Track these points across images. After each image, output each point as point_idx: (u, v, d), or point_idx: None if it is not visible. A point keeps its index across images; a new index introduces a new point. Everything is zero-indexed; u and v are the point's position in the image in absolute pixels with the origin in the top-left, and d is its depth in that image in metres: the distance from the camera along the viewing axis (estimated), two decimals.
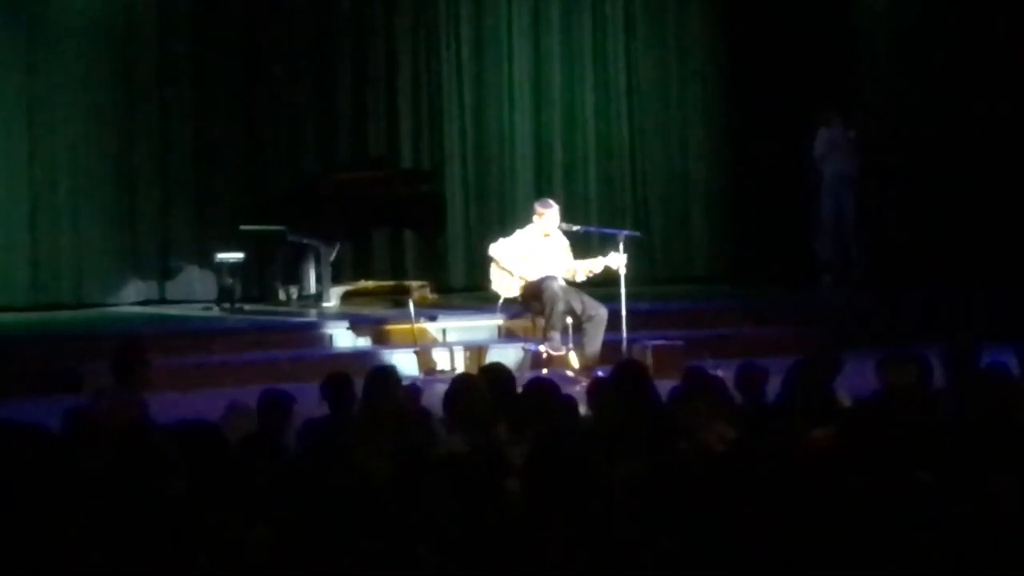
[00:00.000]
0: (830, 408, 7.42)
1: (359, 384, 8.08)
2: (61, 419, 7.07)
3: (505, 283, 12.63)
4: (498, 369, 8.48)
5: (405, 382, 8.55)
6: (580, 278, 12.56)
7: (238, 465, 6.28)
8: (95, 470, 6.23)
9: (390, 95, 16.38)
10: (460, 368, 12.44)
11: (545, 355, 12.38)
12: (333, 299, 14.50)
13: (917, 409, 6.72)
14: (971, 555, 5.08)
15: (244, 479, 5.97)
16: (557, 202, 13.00)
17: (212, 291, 15.10)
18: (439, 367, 12.72)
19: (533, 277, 12.49)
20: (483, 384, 7.87)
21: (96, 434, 6.84)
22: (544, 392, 7.68)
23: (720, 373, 8.64)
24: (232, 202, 15.48)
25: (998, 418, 6.61)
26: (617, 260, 12.32)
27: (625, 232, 12.84)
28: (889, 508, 5.31)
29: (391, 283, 15.39)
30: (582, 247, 13.06)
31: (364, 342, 13.43)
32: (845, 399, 7.87)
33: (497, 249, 12.72)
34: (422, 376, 12.21)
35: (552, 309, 12.29)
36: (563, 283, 12.44)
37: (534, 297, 12.49)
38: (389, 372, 8.44)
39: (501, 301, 12.77)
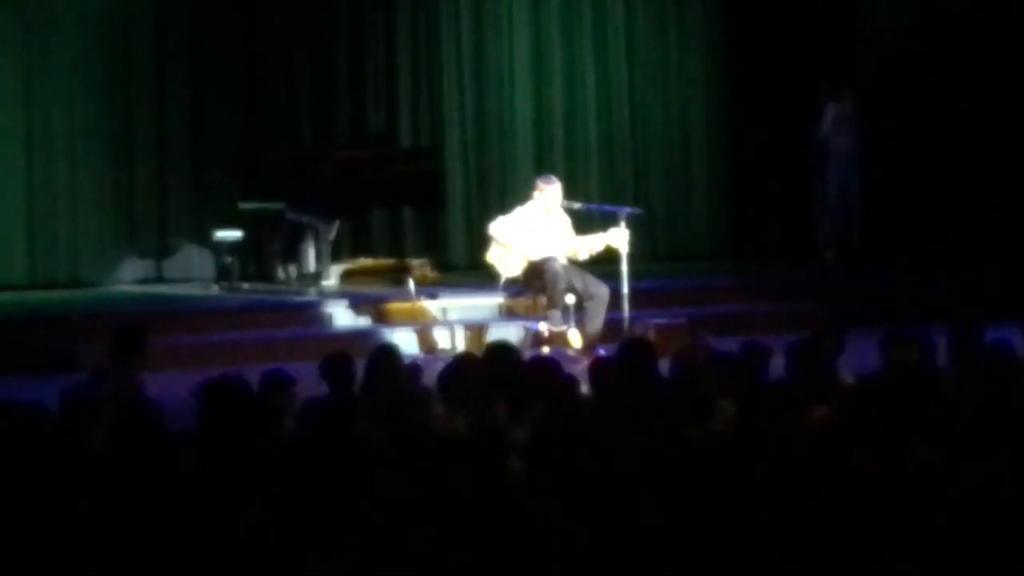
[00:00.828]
0: (832, 386, 7.39)
1: (359, 364, 8.04)
2: (58, 399, 7.04)
3: (506, 261, 12.58)
4: (503, 348, 8.45)
5: (406, 361, 8.51)
6: (582, 257, 12.50)
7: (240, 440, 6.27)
8: (93, 449, 6.21)
9: (389, 73, 16.32)
10: (461, 347, 12.41)
11: (546, 334, 12.34)
12: (332, 278, 14.48)
13: (919, 388, 6.70)
14: (973, 533, 5.05)
15: (245, 459, 5.95)
16: (558, 179, 12.94)
17: (210, 270, 15.06)
18: (440, 346, 12.68)
19: (534, 255, 12.43)
20: (481, 364, 7.84)
21: (94, 414, 6.83)
22: (546, 371, 7.65)
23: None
24: (230, 180, 15.44)
25: (1001, 397, 6.58)
26: (618, 237, 12.26)
27: (626, 209, 12.77)
28: (891, 486, 5.29)
29: (391, 261, 15.35)
30: (583, 225, 13.00)
31: (364, 321, 13.39)
32: (847, 377, 7.84)
33: (497, 227, 12.66)
34: (422, 355, 12.17)
35: (553, 287, 12.25)
36: (564, 262, 12.39)
37: (535, 276, 12.45)
38: (392, 351, 8.41)
39: (502, 280, 12.72)
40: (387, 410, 7.18)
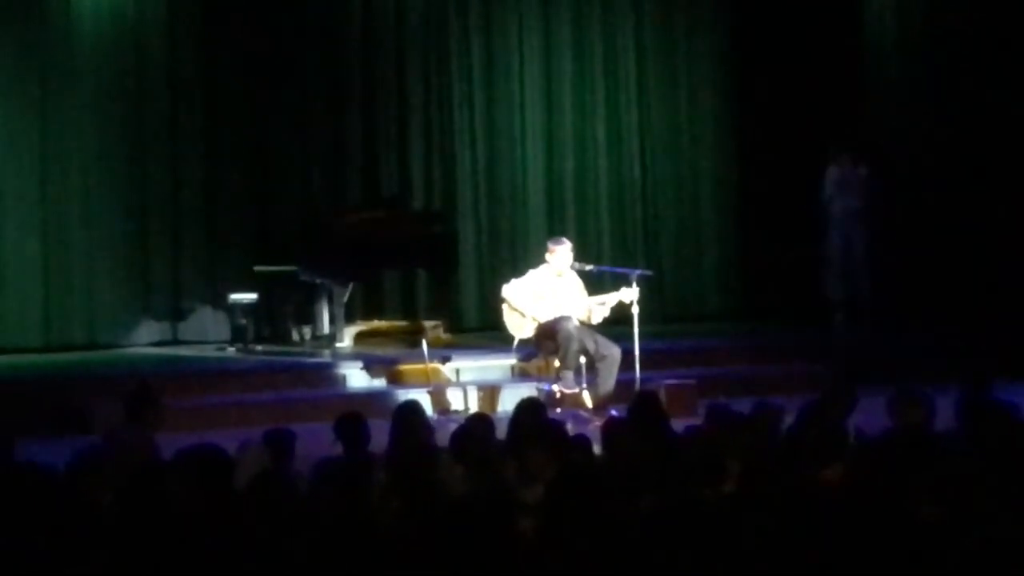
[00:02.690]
0: (843, 446, 7.43)
1: (373, 424, 8.10)
2: (71, 460, 7.09)
3: (519, 324, 12.65)
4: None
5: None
6: (596, 319, 12.56)
7: (249, 503, 6.30)
8: (104, 510, 6.24)
9: (401, 136, 16.43)
10: (474, 408, 12.45)
11: (559, 395, 12.38)
12: (346, 339, 14.52)
13: (925, 447, 6.73)
14: None
15: (254, 517, 5.99)
16: (569, 241, 13.02)
17: (225, 332, 15.13)
18: (453, 407, 12.72)
19: (547, 317, 12.50)
20: (491, 424, 7.92)
21: (103, 474, 6.86)
22: (557, 431, 7.72)
23: None
24: (244, 243, 15.53)
25: (1007, 457, 6.61)
26: (630, 294, 12.34)
27: (637, 271, 12.87)
28: (896, 545, 5.32)
29: (404, 323, 15.42)
30: (595, 287, 13.07)
31: (378, 382, 13.43)
32: (852, 437, 7.87)
33: (510, 290, 12.74)
34: (436, 416, 12.22)
35: (566, 349, 12.31)
36: (577, 323, 12.45)
37: (548, 337, 12.50)
38: (417, 408, 8.47)
39: (516, 342, 12.78)
40: (406, 471, 7.21)
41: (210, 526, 5.79)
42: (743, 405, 8.52)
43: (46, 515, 5.84)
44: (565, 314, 12.43)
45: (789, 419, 8.06)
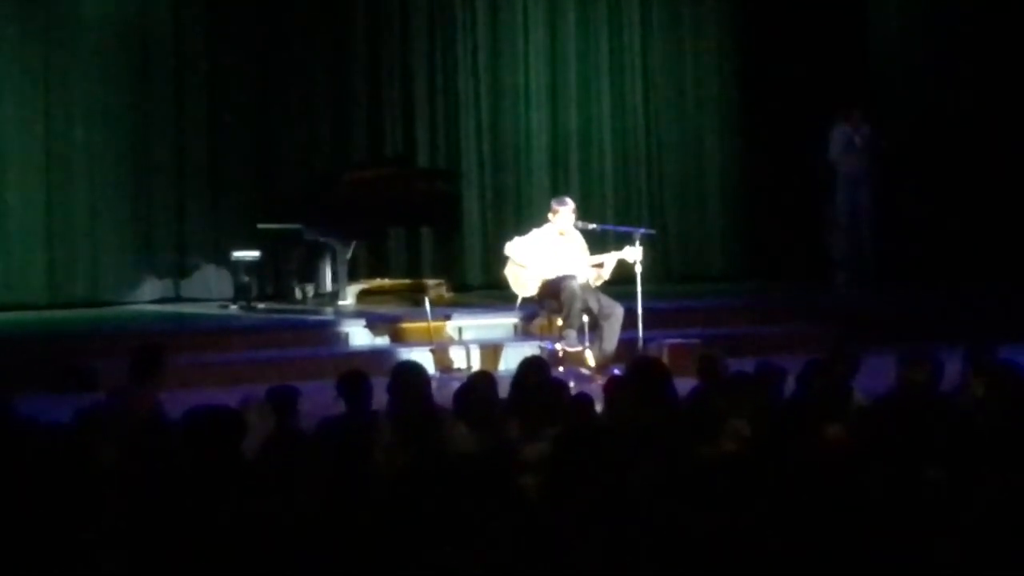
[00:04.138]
0: (846, 406, 7.42)
1: (375, 382, 8.09)
2: (75, 417, 7.10)
3: (522, 282, 12.63)
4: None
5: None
6: (606, 276, 12.52)
7: (255, 461, 6.30)
8: (109, 467, 6.24)
9: (406, 94, 16.40)
10: (476, 366, 12.45)
11: (561, 353, 12.38)
12: (349, 297, 14.52)
13: (931, 407, 6.73)
14: (982, 554, 5.08)
15: (261, 475, 5.99)
16: (573, 201, 12.99)
17: (228, 289, 15.14)
18: (455, 365, 12.73)
19: (550, 275, 12.49)
20: (494, 383, 7.91)
21: (108, 432, 6.86)
22: (559, 390, 7.72)
23: None
24: (248, 200, 15.51)
25: (1013, 417, 6.61)
26: (633, 254, 12.31)
27: (640, 230, 12.84)
28: (900, 506, 5.32)
29: (407, 281, 15.41)
30: (598, 246, 13.05)
31: (380, 340, 13.44)
32: (860, 398, 7.87)
33: (513, 248, 12.73)
34: (438, 374, 12.22)
35: (570, 307, 12.29)
36: (583, 281, 12.43)
37: (552, 295, 12.49)
38: (417, 368, 8.46)
39: (519, 300, 12.77)
40: (410, 429, 7.21)
41: (215, 486, 5.79)
42: (747, 365, 8.51)
43: (50, 471, 5.85)
44: (569, 273, 12.41)
45: (792, 380, 8.06)
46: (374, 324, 13.55)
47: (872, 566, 5.04)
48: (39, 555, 5.20)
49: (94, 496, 5.69)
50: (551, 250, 12.58)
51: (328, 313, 14.22)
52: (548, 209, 12.91)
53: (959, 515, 5.22)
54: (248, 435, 6.33)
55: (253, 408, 7.52)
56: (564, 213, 12.69)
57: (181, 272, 15.61)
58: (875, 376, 8.47)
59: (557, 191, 15.33)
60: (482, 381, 8.01)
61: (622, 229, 13.37)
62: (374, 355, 12.56)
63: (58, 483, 5.74)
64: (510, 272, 12.71)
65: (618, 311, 12.32)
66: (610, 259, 12.46)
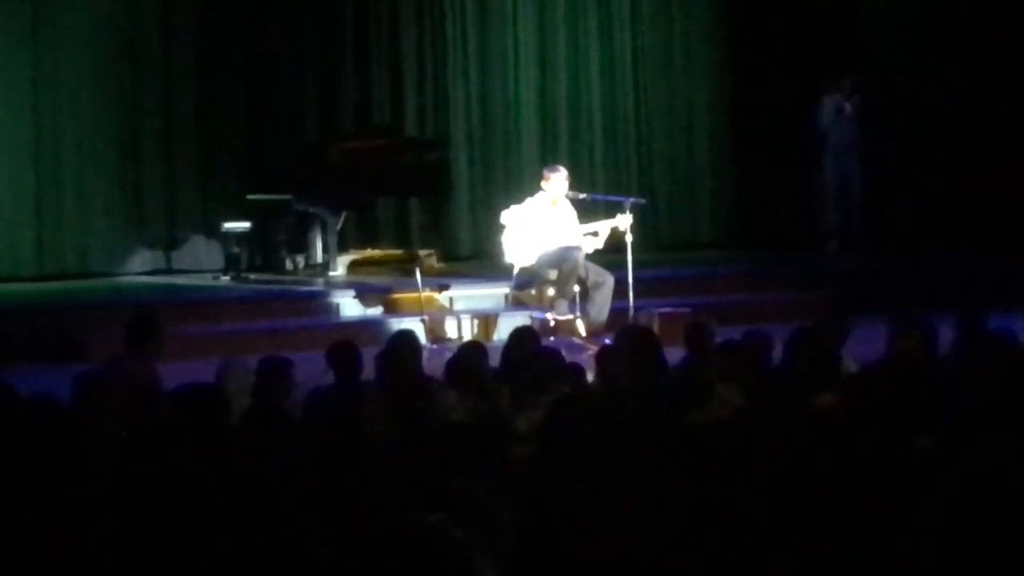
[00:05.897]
0: (836, 374, 7.43)
1: (365, 353, 8.09)
2: (72, 386, 7.10)
3: (518, 251, 12.63)
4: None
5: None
6: (600, 245, 12.53)
7: (242, 432, 6.30)
8: (105, 437, 6.25)
9: (394, 64, 16.37)
10: (468, 336, 12.45)
11: (552, 323, 12.38)
12: (340, 268, 14.51)
13: (921, 374, 6.73)
14: (973, 521, 5.08)
15: (249, 446, 6.00)
16: (565, 169, 12.97)
17: (218, 260, 15.13)
18: (447, 335, 12.72)
19: (550, 245, 12.49)
20: (485, 352, 7.91)
21: (108, 402, 6.87)
22: (552, 359, 7.72)
23: None
24: (238, 171, 15.51)
25: (1003, 384, 6.61)
26: (623, 222, 12.32)
27: (631, 199, 12.84)
28: (890, 473, 5.32)
29: (398, 252, 15.40)
30: (588, 215, 13.05)
31: (371, 311, 13.44)
32: (851, 365, 7.88)
33: (509, 215, 12.72)
34: (430, 344, 12.22)
35: (568, 278, 12.31)
36: (587, 251, 12.44)
37: (552, 265, 12.49)
38: (410, 338, 8.46)
39: (516, 270, 12.76)
40: (399, 399, 7.22)
41: (207, 457, 5.79)
42: (737, 334, 8.51)
43: (48, 442, 5.85)
44: (573, 244, 12.41)
45: (781, 348, 8.05)
46: (364, 295, 13.54)
47: (863, 533, 5.05)
48: (40, 527, 5.21)
49: (93, 467, 5.70)
50: (546, 220, 12.58)
51: (318, 284, 14.22)
52: (539, 178, 12.90)
53: (949, 482, 5.23)
54: (231, 402, 6.35)
55: (234, 371, 7.54)
56: (556, 180, 12.68)
57: (171, 243, 15.59)
58: (866, 343, 8.47)
59: (546, 160, 15.32)
60: (473, 351, 8.02)
61: (612, 199, 13.36)
62: (365, 326, 12.55)
63: (58, 454, 5.74)
64: (506, 241, 12.70)
65: (609, 280, 12.34)
66: (604, 227, 12.47)
